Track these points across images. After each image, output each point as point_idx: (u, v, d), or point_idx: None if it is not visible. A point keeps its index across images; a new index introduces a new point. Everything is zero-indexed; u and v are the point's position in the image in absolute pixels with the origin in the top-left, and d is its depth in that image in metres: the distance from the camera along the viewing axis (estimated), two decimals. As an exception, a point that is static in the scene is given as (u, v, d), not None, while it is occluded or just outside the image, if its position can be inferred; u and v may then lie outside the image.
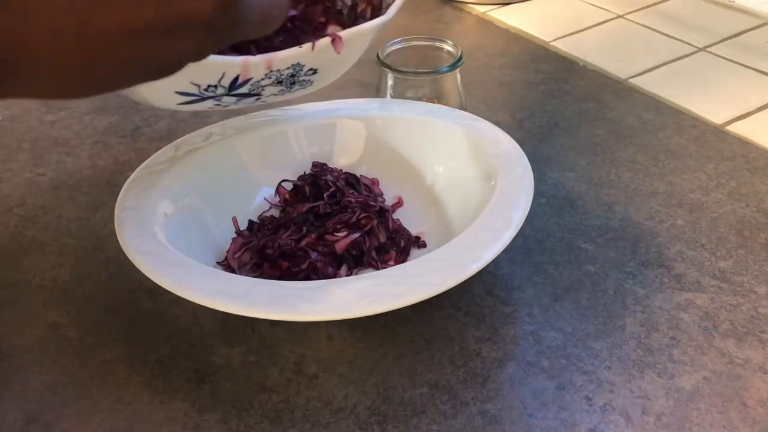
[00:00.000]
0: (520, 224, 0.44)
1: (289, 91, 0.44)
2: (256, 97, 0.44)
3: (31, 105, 0.72)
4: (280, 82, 0.43)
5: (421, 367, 0.43)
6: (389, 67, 0.58)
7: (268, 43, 0.48)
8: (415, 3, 0.90)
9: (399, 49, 0.60)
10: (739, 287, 0.48)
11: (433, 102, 0.59)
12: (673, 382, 0.42)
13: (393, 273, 0.42)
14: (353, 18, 0.53)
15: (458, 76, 0.60)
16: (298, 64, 0.43)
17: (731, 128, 0.64)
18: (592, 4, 0.89)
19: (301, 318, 0.40)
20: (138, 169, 0.51)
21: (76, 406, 0.42)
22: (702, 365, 0.43)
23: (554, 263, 0.50)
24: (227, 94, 0.42)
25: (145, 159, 0.52)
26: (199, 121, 0.67)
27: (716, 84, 0.71)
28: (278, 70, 0.42)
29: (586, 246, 0.52)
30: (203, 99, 0.42)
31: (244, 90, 0.42)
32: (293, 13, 0.51)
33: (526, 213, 0.45)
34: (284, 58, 0.42)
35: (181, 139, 0.54)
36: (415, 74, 0.58)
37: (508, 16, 0.87)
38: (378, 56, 0.58)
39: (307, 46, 0.43)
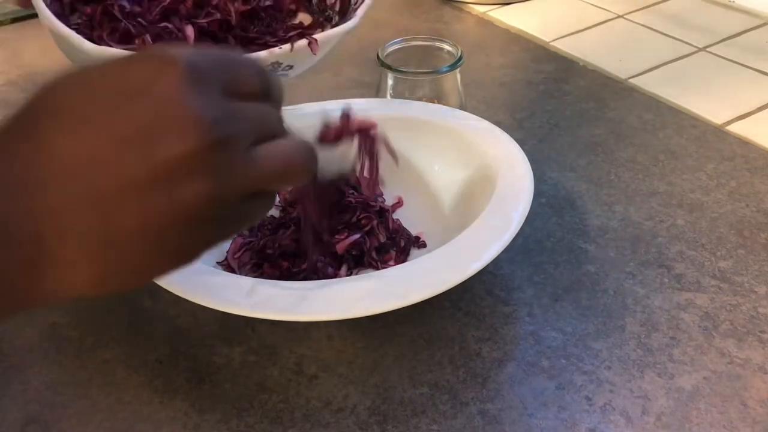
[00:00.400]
0: (520, 224, 0.44)
1: None
2: None
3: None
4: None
5: (421, 367, 0.43)
6: (389, 67, 0.58)
7: (245, 33, 0.53)
8: (415, 3, 0.90)
9: (399, 49, 0.60)
10: (739, 287, 0.48)
11: (433, 102, 0.59)
12: (673, 382, 0.42)
13: (393, 273, 0.42)
14: (322, 8, 0.57)
15: (458, 76, 0.60)
16: (277, 62, 0.48)
17: (731, 128, 0.64)
18: (592, 4, 0.89)
19: (301, 318, 0.40)
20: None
21: (76, 406, 0.42)
22: (702, 365, 0.43)
23: (554, 263, 0.50)
24: None
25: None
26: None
27: (716, 84, 0.71)
28: None
29: (586, 246, 0.52)
30: None
31: None
32: (268, 2, 0.56)
33: (526, 213, 0.45)
34: (265, 58, 0.47)
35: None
36: (415, 74, 0.58)
37: (508, 16, 0.87)
38: (378, 56, 0.58)
39: (286, 47, 0.49)
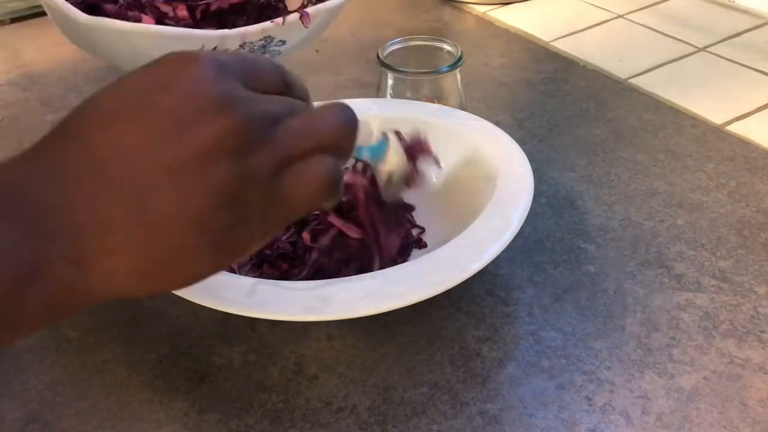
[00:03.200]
0: (520, 224, 0.44)
1: None
2: None
3: (32, 105, 0.72)
4: (252, 53, 0.49)
5: (421, 367, 0.43)
6: (389, 67, 0.58)
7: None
8: (415, 3, 0.90)
9: (399, 49, 0.60)
10: (739, 287, 0.48)
11: (433, 102, 0.59)
12: (673, 382, 0.42)
13: (393, 273, 0.42)
14: None
15: (458, 76, 0.60)
16: (269, 36, 0.50)
17: (731, 128, 0.64)
18: (592, 4, 0.89)
19: (302, 318, 0.40)
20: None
21: (76, 406, 0.42)
22: (702, 365, 0.43)
23: (554, 263, 0.50)
24: None
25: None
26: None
27: (716, 84, 0.71)
28: (251, 42, 0.48)
29: (586, 246, 0.52)
30: None
31: None
32: None
33: (526, 213, 0.45)
34: (256, 32, 0.49)
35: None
36: (415, 74, 0.58)
37: (508, 16, 0.87)
38: (378, 56, 0.58)
39: (278, 20, 0.51)
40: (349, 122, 0.30)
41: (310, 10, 0.54)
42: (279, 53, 0.53)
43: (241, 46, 0.49)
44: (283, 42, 0.53)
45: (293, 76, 0.31)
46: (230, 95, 0.26)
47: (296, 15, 0.53)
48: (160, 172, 0.25)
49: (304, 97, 0.31)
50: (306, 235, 0.47)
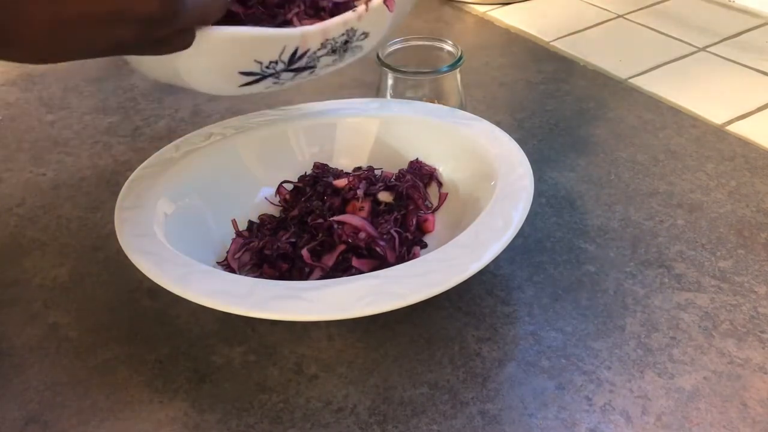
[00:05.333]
0: (520, 224, 0.44)
1: (341, 61, 0.45)
2: (311, 69, 0.44)
3: (31, 105, 0.72)
4: (334, 51, 0.43)
5: (421, 367, 0.43)
6: (389, 67, 0.58)
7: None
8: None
9: (399, 49, 0.60)
10: (739, 287, 0.48)
11: (433, 102, 0.59)
12: (673, 382, 0.42)
13: (393, 273, 0.42)
14: None
15: (458, 76, 0.60)
16: (352, 29, 0.43)
17: (731, 128, 0.64)
18: (592, 4, 0.89)
19: (301, 318, 0.40)
20: (138, 169, 0.51)
21: (76, 406, 0.42)
22: (702, 365, 0.43)
23: (554, 263, 0.50)
24: (286, 70, 0.42)
25: (145, 159, 0.52)
26: (200, 121, 0.67)
27: (716, 84, 0.71)
28: (333, 38, 0.42)
29: (586, 246, 0.52)
30: (264, 77, 0.42)
31: (301, 63, 0.42)
32: None
33: (526, 213, 0.45)
34: (338, 24, 0.42)
35: (181, 139, 0.54)
36: (415, 74, 0.58)
37: (508, 16, 0.87)
38: (378, 56, 0.58)
39: (361, 8, 0.43)
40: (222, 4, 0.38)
41: None
42: (361, 50, 0.46)
43: (322, 44, 0.42)
44: (366, 35, 0.45)
45: None
46: None
47: (379, 0, 0.44)
48: (79, 11, 0.31)
49: None
50: (306, 253, 0.47)
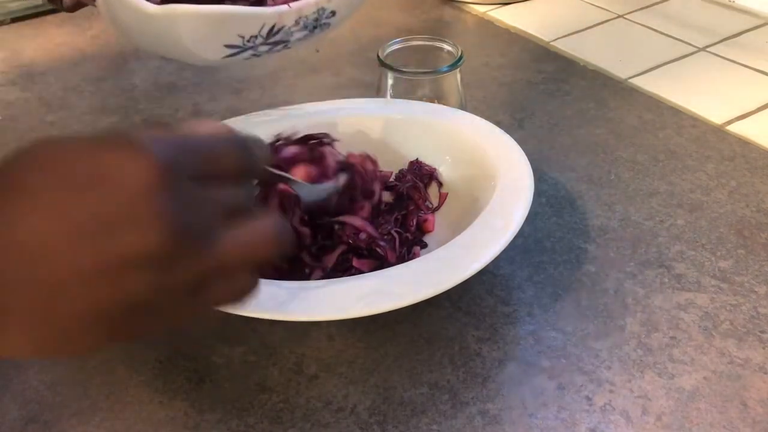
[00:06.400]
0: (520, 224, 0.44)
1: (311, 36, 0.50)
2: (285, 44, 0.50)
3: (31, 105, 0.72)
4: (305, 27, 0.49)
5: (421, 367, 0.43)
6: (389, 67, 0.58)
7: None
8: (415, 3, 0.90)
9: (399, 49, 0.60)
10: (739, 287, 0.48)
11: (433, 102, 0.59)
12: (673, 382, 0.42)
13: (393, 273, 0.42)
14: None
15: (458, 76, 0.60)
16: (322, 8, 0.49)
17: (731, 128, 0.64)
18: (592, 4, 0.89)
19: (301, 318, 0.40)
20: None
21: (76, 406, 0.42)
22: (702, 365, 0.43)
23: (554, 263, 0.50)
24: (264, 43, 0.48)
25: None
26: (199, 121, 0.67)
27: (716, 84, 0.71)
28: (305, 16, 0.48)
29: (586, 246, 0.52)
30: (245, 50, 0.48)
31: (277, 38, 0.48)
32: None
33: (526, 213, 0.45)
34: (311, 3, 0.49)
35: (181, 138, 0.54)
36: (415, 74, 0.58)
37: (508, 16, 0.87)
38: (378, 56, 0.58)
39: None
40: (282, 240, 0.29)
41: None
42: (329, 26, 0.52)
43: (296, 21, 0.49)
44: (333, 13, 0.51)
45: (255, 149, 0.30)
46: (165, 208, 0.24)
47: None
48: (74, 275, 0.24)
49: (260, 172, 0.31)
50: (305, 255, 0.47)
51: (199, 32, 0.46)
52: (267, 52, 0.50)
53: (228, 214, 0.27)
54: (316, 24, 0.50)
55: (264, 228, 0.29)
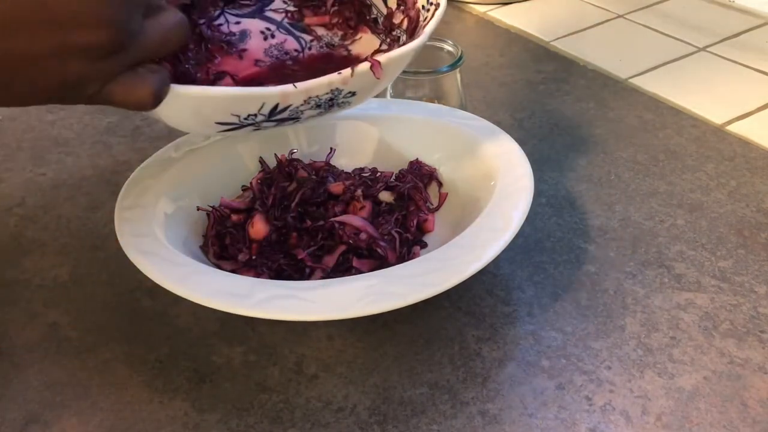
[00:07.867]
0: (520, 224, 0.44)
1: (327, 113, 0.44)
2: (295, 120, 0.43)
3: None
4: (318, 106, 0.42)
5: (421, 367, 0.43)
6: (389, 67, 0.58)
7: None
8: (415, 3, 0.90)
9: (399, 49, 0.60)
10: (739, 287, 0.48)
11: (433, 102, 0.59)
12: (673, 382, 0.42)
13: (393, 273, 0.42)
14: (389, 28, 0.51)
15: (458, 76, 0.60)
16: (337, 89, 0.42)
17: (731, 128, 0.64)
18: (592, 4, 0.89)
19: (301, 318, 0.40)
20: (138, 169, 0.51)
21: (76, 406, 0.42)
22: (702, 365, 0.43)
23: (554, 263, 0.50)
24: (267, 120, 0.42)
25: (145, 159, 0.52)
26: (199, 121, 0.67)
27: (716, 84, 0.71)
28: (317, 96, 0.42)
29: (586, 246, 0.52)
30: (243, 126, 0.42)
31: (284, 115, 0.42)
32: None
33: (526, 213, 0.45)
34: (322, 85, 0.41)
35: (180, 139, 0.54)
36: (415, 74, 0.58)
37: (508, 16, 0.87)
38: (378, 56, 0.58)
39: (346, 72, 0.42)
40: (186, 28, 0.36)
41: (381, 58, 0.43)
42: (349, 104, 0.45)
43: (305, 101, 0.41)
44: (353, 93, 0.44)
45: None
46: (111, 9, 0.31)
47: (366, 65, 0.42)
48: (20, 20, 0.30)
49: None
50: (305, 256, 0.47)
51: (179, 112, 0.40)
52: (273, 127, 0.43)
53: (147, 8, 0.34)
54: (332, 103, 0.43)
55: (174, 18, 0.35)
